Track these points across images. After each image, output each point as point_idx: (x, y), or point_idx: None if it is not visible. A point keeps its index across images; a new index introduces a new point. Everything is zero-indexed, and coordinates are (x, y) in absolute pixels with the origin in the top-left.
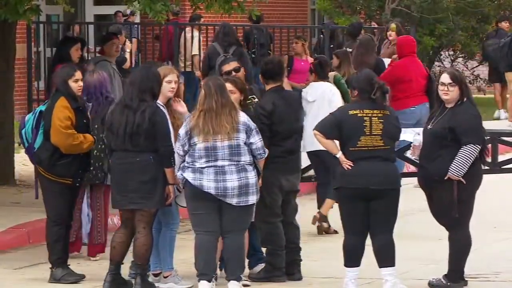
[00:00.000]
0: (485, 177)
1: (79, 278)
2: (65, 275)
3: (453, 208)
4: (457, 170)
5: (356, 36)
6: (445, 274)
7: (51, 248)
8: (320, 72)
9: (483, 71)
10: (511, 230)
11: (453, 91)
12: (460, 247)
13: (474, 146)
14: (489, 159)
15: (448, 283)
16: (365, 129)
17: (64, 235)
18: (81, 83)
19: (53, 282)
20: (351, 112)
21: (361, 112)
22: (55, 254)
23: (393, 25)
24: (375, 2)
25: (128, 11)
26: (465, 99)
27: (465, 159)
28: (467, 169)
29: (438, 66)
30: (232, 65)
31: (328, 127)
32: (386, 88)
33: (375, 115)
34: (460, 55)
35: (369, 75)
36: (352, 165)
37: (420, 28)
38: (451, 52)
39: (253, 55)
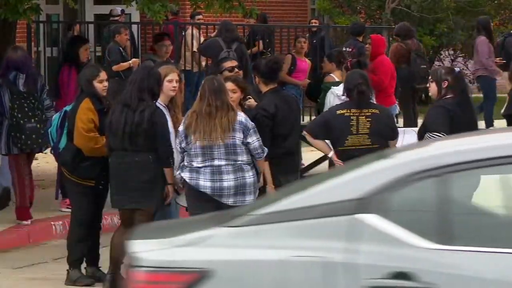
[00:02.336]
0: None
1: (93, 281)
2: (80, 277)
3: None
4: None
5: (357, 34)
6: None
7: (72, 248)
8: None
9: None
10: None
11: (432, 87)
12: None
13: (431, 135)
14: None
15: None
16: (352, 128)
17: (86, 237)
18: (106, 83)
19: (69, 284)
20: (338, 112)
21: (348, 111)
22: (74, 254)
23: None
24: (375, 1)
25: (119, 10)
26: (448, 96)
27: None
28: None
29: (438, 65)
30: (234, 62)
31: (316, 128)
32: (361, 87)
33: (362, 114)
34: (460, 55)
35: (353, 75)
36: (343, 164)
37: (420, 28)
38: (451, 52)
39: (269, 54)
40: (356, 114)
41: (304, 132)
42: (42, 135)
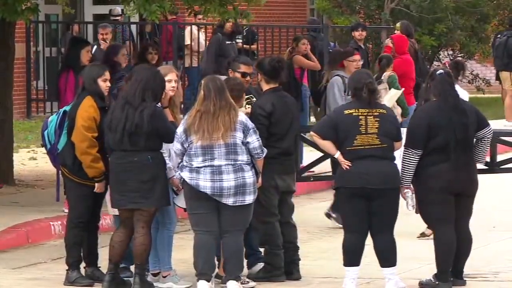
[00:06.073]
0: (485, 177)
1: (92, 282)
2: (79, 278)
3: (417, 208)
4: (402, 180)
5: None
6: (435, 274)
7: (69, 249)
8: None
9: (482, 70)
10: (511, 230)
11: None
12: (435, 246)
13: (405, 149)
14: (488, 159)
15: (437, 282)
16: (360, 128)
17: (83, 238)
18: (109, 83)
19: (68, 284)
20: (346, 112)
21: (356, 111)
22: (72, 256)
23: (397, 25)
24: (374, 1)
25: (119, 10)
26: (433, 99)
27: (402, 166)
28: (408, 173)
29: (437, 65)
30: (251, 69)
31: (324, 128)
32: (373, 86)
33: (370, 114)
34: (459, 55)
35: (360, 74)
36: (350, 165)
37: (419, 28)
38: (450, 52)
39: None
40: (365, 113)
41: (312, 133)
42: None
